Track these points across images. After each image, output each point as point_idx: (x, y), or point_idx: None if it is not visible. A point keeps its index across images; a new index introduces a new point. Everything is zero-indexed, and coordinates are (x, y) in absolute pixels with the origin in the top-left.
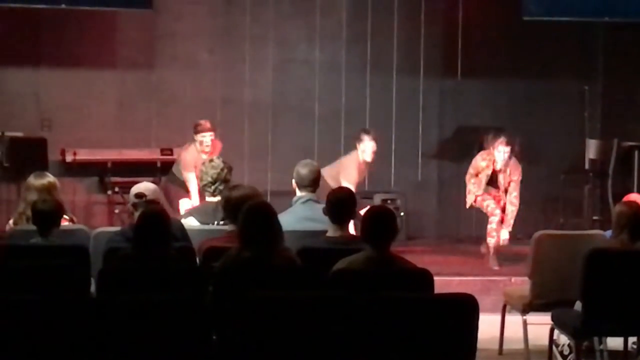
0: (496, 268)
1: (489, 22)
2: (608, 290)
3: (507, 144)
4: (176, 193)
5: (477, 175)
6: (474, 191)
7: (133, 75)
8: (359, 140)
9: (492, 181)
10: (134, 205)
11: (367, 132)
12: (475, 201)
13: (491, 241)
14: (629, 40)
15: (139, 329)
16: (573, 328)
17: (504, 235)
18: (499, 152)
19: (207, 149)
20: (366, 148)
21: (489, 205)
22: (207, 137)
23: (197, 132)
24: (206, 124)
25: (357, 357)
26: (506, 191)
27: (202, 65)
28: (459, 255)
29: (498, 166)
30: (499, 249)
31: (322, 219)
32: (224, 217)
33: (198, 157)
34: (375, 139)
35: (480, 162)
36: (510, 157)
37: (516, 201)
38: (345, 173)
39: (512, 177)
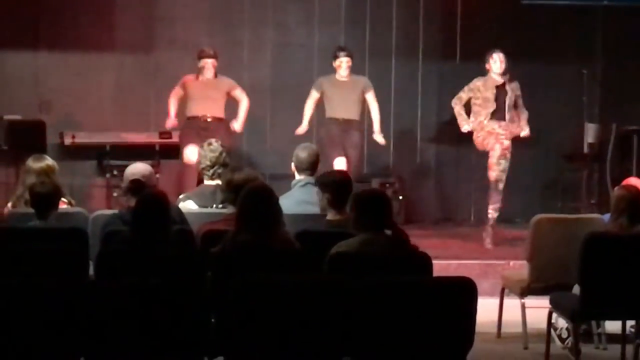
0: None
1: (488, 6)
2: (606, 274)
3: (502, 52)
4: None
5: (469, 100)
6: (474, 121)
7: (132, 58)
8: (334, 57)
9: (498, 105)
10: (129, 190)
11: (342, 48)
12: (477, 133)
13: (492, 174)
14: (627, 24)
15: (137, 313)
16: (571, 311)
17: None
18: (495, 62)
19: (209, 74)
20: (342, 63)
21: (492, 149)
22: (208, 63)
23: (199, 57)
24: (209, 50)
25: (355, 340)
26: (515, 107)
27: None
28: (458, 239)
29: (498, 78)
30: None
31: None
32: (224, 199)
33: (194, 80)
34: (350, 55)
35: (476, 81)
36: (507, 70)
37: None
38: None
39: (517, 92)
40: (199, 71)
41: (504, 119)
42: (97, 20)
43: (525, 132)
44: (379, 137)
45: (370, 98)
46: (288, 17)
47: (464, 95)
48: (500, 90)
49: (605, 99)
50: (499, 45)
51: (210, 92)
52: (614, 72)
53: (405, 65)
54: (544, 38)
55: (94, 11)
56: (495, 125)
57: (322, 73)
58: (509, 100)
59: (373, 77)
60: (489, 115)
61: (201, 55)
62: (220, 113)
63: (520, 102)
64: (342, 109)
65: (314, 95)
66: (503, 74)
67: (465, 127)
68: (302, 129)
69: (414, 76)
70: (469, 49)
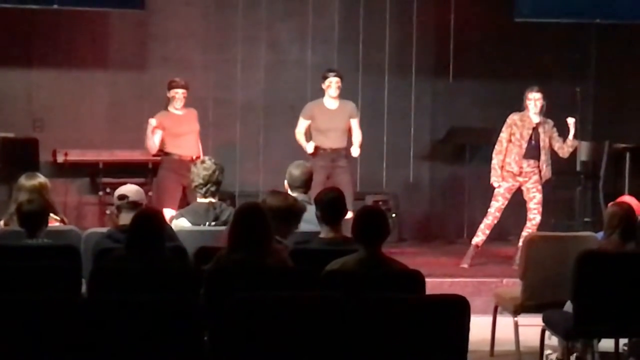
0: (465, 266)
1: (481, 24)
2: (599, 291)
3: (538, 91)
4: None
5: (509, 139)
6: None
7: (125, 75)
8: (324, 78)
9: (530, 145)
10: (118, 208)
11: (331, 69)
12: (498, 179)
13: (475, 240)
14: (620, 42)
15: (130, 330)
16: (564, 329)
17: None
18: (531, 101)
19: (178, 105)
20: (331, 83)
21: (493, 205)
22: (179, 93)
23: (169, 87)
24: (180, 81)
25: (349, 357)
26: (549, 145)
27: (194, 66)
28: (451, 256)
29: (535, 118)
30: (478, 247)
31: (314, 220)
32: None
33: (165, 114)
34: (340, 76)
35: (513, 116)
36: (544, 108)
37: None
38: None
39: (550, 134)
40: (168, 102)
41: (538, 157)
42: (90, 38)
43: (549, 176)
44: (355, 150)
45: (355, 125)
46: (281, 35)
47: (504, 135)
48: (536, 130)
49: (599, 117)
50: (491, 64)
51: (185, 128)
52: (607, 90)
53: (398, 83)
54: (537, 56)
55: (87, 29)
56: (524, 164)
57: (315, 91)
58: (542, 142)
59: (366, 94)
60: (522, 154)
61: (171, 86)
62: (199, 151)
63: (556, 137)
64: (331, 139)
65: (303, 124)
66: (539, 112)
67: (494, 182)
68: (311, 147)
69: (407, 94)
70: (461, 67)
